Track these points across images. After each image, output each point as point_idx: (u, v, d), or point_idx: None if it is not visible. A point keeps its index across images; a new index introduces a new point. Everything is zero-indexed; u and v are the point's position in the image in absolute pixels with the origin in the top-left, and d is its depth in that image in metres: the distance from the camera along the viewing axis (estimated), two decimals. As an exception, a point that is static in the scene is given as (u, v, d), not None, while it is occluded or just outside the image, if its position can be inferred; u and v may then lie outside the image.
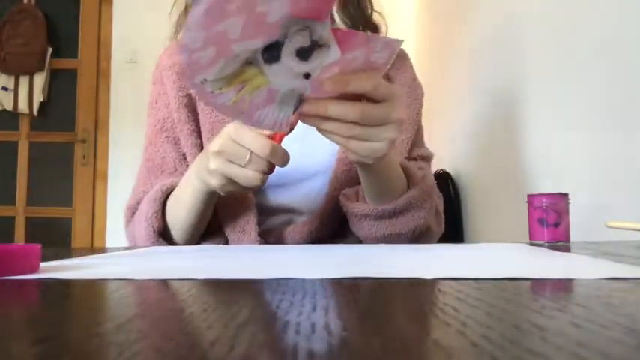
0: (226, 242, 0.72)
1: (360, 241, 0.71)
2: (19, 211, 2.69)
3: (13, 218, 2.69)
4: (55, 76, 2.71)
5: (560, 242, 0.66)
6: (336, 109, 0.45)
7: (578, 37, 0.98)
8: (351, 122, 0.47)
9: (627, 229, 0.61)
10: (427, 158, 0.81)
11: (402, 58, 0.82)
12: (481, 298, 0.23)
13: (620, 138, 0.86)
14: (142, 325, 0.19)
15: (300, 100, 0.45)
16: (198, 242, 0.71)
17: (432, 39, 2.20)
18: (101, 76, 2.72)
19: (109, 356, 0.15)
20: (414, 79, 0.82)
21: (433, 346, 0.16)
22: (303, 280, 0.29)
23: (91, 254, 0.50)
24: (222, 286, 0.29)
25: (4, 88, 2.64)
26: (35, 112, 2.65)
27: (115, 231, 2.56)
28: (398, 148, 0.76)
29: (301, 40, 0.39)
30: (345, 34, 0.40)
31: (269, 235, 0.72)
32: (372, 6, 0.79)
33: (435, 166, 0.86)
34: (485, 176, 1.53)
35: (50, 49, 2.68)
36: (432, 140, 0.85)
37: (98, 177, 2.68)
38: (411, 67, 0.83)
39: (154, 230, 0.66)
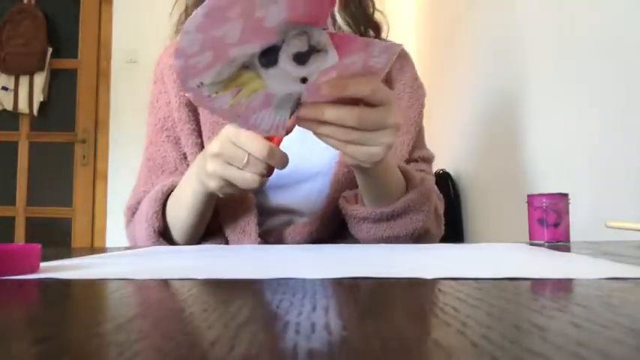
0: (226, 243, 0.72)
1: (359, 243, 0.71)
2: (19, 211, 2.69)
3: (13, 218, 2.69)
4: (55, 76, 2.71)
5: (560, 242, 0.66)
6: (332, 113, 0.45)
7: (579, 37, 0.98)
8: (348, 127, 0.47)
9: (627, 229, 0.61)
10: (428, 159, 0.81)
11: (404, 58, 0.82)
12: (481, 298, 0.23)
13: (620, 138, 0.86)
14: (143, 325, 0.19)
15: (298, 103, 0.45)
16: (198, 243, 0.71)
17: (432, 39, 2.20)
18: (101, 76, 2.72)
19: (109, 356, 0.15)
20: (416, 79, 0.81)
21: (433, 346, 0.16)
22: (303, 280, 0.29)
23: (91, 254, 0.50)
24: (222, 286, 0.29)
25: (4, 88, 2.64)
26: (35, 112, 2.65)
27: (115, 231, 2.56)
28: (398, 150, 0.76)
29: (299, 45, 0.39)
30: (343, 38, 0.40)
31: (269, 236, 0.72)
32: (373, 5, 0.78)
33: (435, 166, 0.86)
34: (486, 176, 1.53)
35: (50, 49, 2.68)
36: (432, 140, 0.85)
37: (98, 177, 2.68)
38: (413, 67, 0.82)
39: (154, 230, 0.66)
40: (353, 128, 0.47)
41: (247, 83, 0.41)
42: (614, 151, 0.87)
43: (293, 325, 0.18)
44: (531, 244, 0.60)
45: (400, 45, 0.43)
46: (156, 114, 0.78)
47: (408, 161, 0.77)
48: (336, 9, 0.71)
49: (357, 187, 0.68)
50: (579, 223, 0.75)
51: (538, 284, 0.28)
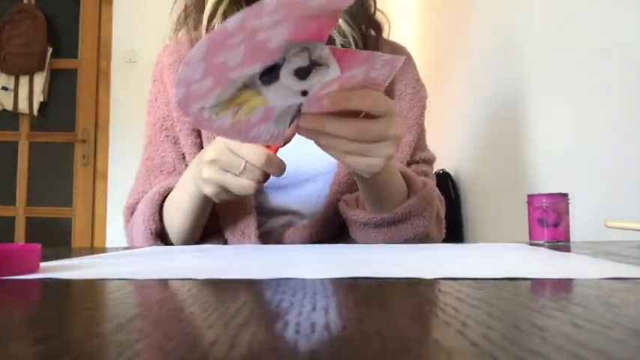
0: (225, 244, 0.72)
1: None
2: (19, 211, 2.69)
3: (13, 218, 2.69)
4: (55, 76, 2.71)
5: (560, 242, 0.66)
6: (332, 125, 0.45)
7: (579, 37, 0.98)
8: (348, 138, 0.46)
9: (627, 229, 0.61)
10: (429, 161, 0.80)
11: (406, 59, 0.81)
12: (481, 298, 0.23)
13: (620, 138, 0.86)
14: (143, 325, 0.19)
15: (298, 113, 0.45)
16: (196, 244, 0.71)
17: (432, 40, 2.20)
18: (101, 76, 2.72)
19: (109, 356, 0.15)
20: (418, 80, 0.81)
21: (433, 346, 0.16)
22: (303, 280, 0.29)
23: (91, 254, 0.50)
24: (222, 286, 0.29)
25: (4, 88, 2.64)
26: (35, 112, 2.66)
27: (114, 231, 2.56)
28: (400, 152, 0.75)
29: (300, 61, 0.39)
30: (345, 53, 0.40)
31: (269, 238, 0.72)
32: (375, 4, 0.78)
33: (436, 166, 0.86)
34: (486, 176, 1.53)
35: (50, 49, 2.68)
36: (433, 140, 0.85)
37: (98, 177, 2.68)
38: (415, 68, 0.82)
39: (151, 232, 0.66)
40: (353, 140, 0.46)
41: (247, 101, 0.41)
42: (614, 151, 0.87)
43: (293, 325, 0.18)
44: (531, 244, 0.60)
45: (402, 58, 0.42)
46: (155, 113, 0.78)
47: (409, 163, 0.76)
48: None
49: (357, 189, 0.67)
50: (579, 223, 0.75)
51: (538, 284, 0.28)
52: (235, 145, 0.53)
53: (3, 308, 0.24)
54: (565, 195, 0.68)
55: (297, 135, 0.51)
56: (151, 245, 0.66)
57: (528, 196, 0.70)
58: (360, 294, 0.25)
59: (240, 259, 0.45)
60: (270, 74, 0.40)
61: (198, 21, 0.73)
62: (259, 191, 0.72)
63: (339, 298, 0.25)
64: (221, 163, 0.54)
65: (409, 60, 0.82)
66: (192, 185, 0.61)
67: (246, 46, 0.35)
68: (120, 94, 2.68)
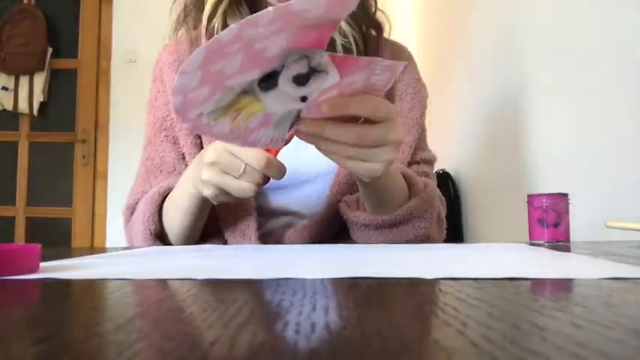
0: (225, 245, 0.72)
1: None
2: (19, 211, 2.69)
3: (13, 218, 2.69)
4: (55, 76, 2.71)
5: (560, 242, 0.66)
6: (332, 130, 0.45)
7: (579, 37, 0.98)
8: (348, 143, 0.46)
9: (627, 229, 0.61)
10: (430, 161, 0.80)
11: (407, 59, 0.81)
12: (481, 298, 0.23)
13: (620, 138, 0.86)
14: (142, 325, 0.19)
15: (297, 117, 0.45)
16: (196, 244, 0.71)
17: (432, 39, 2.20)
18: (101, 76, 2.72)
19: (109, 356, 0.15)
20: (418, 80, 0.80)
21: (433, 346, 0.16)
22: (303, 280, 0.29)
23: (91, 254, 0.50)
24: (222, 286, 0.29)
25: (4, 88, 2.64)
26: (35, 112, 2.66)
27: (114, 231, 2.56)
28: (401, 152, 0.75)
29: (299, 68, 0.39)
30: (344, 59, 0.40)
31: (269, 238, 0.72)
32: (376, 4, 0.77)
33: (436, 166, 0.86)
34: (486, 176, 1.53)
35: (50, 49, 2.68)
36: (433, 140, 0.85)
37: (98, 177, 2.68)
38: (416, 67, 0.82)
39: (150, 233, 0.66)
40: (353, 145, 0.46)
41: (246, 107, 0.41)
42: (614, 151, 0.87)
43: (293, 325, 0.18)
44: (531, 244, 0.60)
45: (403, 63, 0.42)
46: (154, 113, 0.78)
47: (410, 163, 0.76)
48: None
49: (357, 189, 0.67)
50: (579, 223, 0.75)
51: (538, 284, 0.28)
52: (235, 147, 0.53)
53: (3, 308, 0.24)
54: (565, 195, 0.68)
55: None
56: (149, 246, 0.66)
57: (528, 196, 0.70)
58: (360, 294, 0.25)
59: (240, 259, 0.45)
60: (268, 81, 0.39)
61: (198, 20, 0.72)
62: (259, 192, 0.72)
63: (339, 298, 0.25)
64: (221, 166, 0.54)
65: (410, 59, 0.81)
66: (191, 186, 0.61)
67: (243, 54, 0.35)
68: (120, 94, 2.68)
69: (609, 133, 0.88)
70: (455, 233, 1.65)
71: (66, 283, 0.30)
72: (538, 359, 0.14)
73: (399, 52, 0.81)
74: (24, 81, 2.65)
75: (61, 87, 2.72)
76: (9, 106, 2.65)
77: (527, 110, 1.19)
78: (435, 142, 0.86)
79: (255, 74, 0.39)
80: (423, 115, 0.79)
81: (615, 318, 0.19)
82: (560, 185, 0.95)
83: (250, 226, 0.69)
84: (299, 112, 0.44)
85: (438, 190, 0.74)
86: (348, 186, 0.71)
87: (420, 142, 0.79)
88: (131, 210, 0.73)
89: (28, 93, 2.65)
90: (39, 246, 0.35)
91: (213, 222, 0.71)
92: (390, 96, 0.78)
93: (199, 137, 0.74)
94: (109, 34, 2.73)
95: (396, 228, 0.65)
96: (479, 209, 1.61)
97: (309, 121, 0.45)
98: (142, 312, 0.22)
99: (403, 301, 0.24)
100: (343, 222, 0.69)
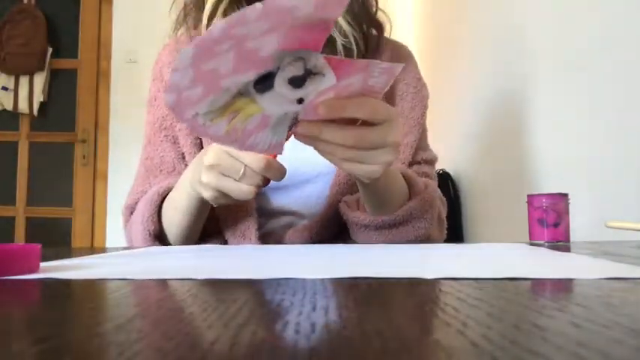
0: (225, 244, 0.72)
1: None
2: (19, 211, 2.69)
3: (13, 218, 2.69)
4: (55, 76, 2.71)
5: (560, 242, 0.66)
6: (329, 133, 0.45)
7: (579, 37, 0.98)
8: (346, 145, 0.46)
9: (627, 229, 0.61)
10: (431, 161, 0.80)
11: (408, 58, 0.81)
12: (481, 298, 0.23)
13: (620, 138, 0.86)
14: (142, 325, 0.19)
15: (295, 120, 0.45)
16: (196, 244, 0.71)
17: (432, 39, 2.20)
18: (101, 76, 2.72)
19: (109, 356, 0.15)
20: (419, 79, 0.80)
21: (433, 346, 0.16)
22: (303, 280, 0.29)
23: (91, 254, 0.50)
24: (222, 286, 0.29)
25: (4, 88, 2.64)
26: (35, 112, 2.66)
27: (114, 231, 2.56)
28: (401, 152, 0.75)
29: (294, 70, 0.39)
30: (341, 62, 0.40)
31: (269, 239, 0.72)
32: (377, 4, 0.77)
33: (436, 166, 0.86)
34: (486, 176, 1.53)
35: (50, 49, 2.68)
36: (433, 140, 0.85)
37: (98, 177, 2.68)
38: (416, 67, 0.81)
39: (149, 233, 0.66)
40: (350, 147, 0.46)
41: (243, 109, 0.41)
42: (614, 151, 0.87)
43: (293, 325, 0.18)
44: (531, 244, 0.60)
45: (401, 65, 0.42)
46: (154, 113, 0.77)
47: (411, 163, 0.76)
48: None
49: (358, 190, 0.67)
50: (579, 223, 0.75)
51: (538, 284, 0.28)
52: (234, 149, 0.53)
53: (3, 308, 0.24)
54: (565, 195, 0.68)
55: None
56: (149, 246, 0.66)
57: (528, 196, 0.70)
58: (360, 294, 0.25)
59: (240, 259, 0.45)
60: (264, 83, 0.39)
61: (198, 20, 0.72)
62: (259, 193, 0.72)
63: (339, 298, 0.25)
64: (220, 168, 0.54)
65: (411, 59, 0.81)
66: (190, 187, 0.61)
67: (236, 54, 0.35)
68: (120, 94, 2.68)
69: (609, 133, 0.88)
70: (455, 233, 1.65)
71: (66, 283, 0.30)
72: (538, 359, 0.14)
73: (399, 52, 0.81)
74: (24, 81, 2.65)
75: (61, 87, 2.72)
76: (9, 106, 2.65)
77: (527, 110, 1.19)
78: (435, 142, 0.86)
79: (251, 75, 0.39)
80: (424, 114, 0.79)
81: (615, 318, 0.19)
82: (560, 185, 0.95)
83: (250, 226, 0.69)
84: (297, 114, 0.44)
85: (438, 190, 0.73)
86: (348, 186, 0.71)
87: (421, 142, 0.79)
88: (130, 210, 0.73)
89: (28, 93, 2.65)
90: (39, 246, 0.35)
91: (213, 222, 0.71)
92: (390, 96, 0.78)
93: (199, 137, 0.74)
94: (109, 34, 2.73)
95: (396, 229, 0.65)
96: (479, 209, 1.61)
97: (307, 123, 0.45)
98: (142, 312, 0.22)
99: (403, 301, 0.24)
100: (343, 222, 0.69)
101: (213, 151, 0.54)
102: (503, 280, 0.28)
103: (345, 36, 0.71)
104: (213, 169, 0.54)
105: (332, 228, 0.72)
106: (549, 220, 0.66)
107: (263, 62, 0.38)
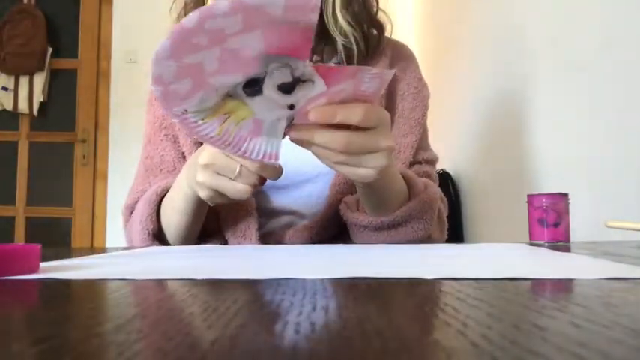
0: (225, 244, 0.72)
1: None
2: (19, 211, 2.69)
3: (13, 218, 2.69)
4: (55, 76, 2.71)
5: (560, 242, 0.66)
6: (322, 137, 0.45)
7: (579, 37, 0.98)
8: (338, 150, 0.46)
9: (627, 229, 0.61)
10: (432, 161, 0.80)
11: (409, 58, 0.81)
12: (481, 298, 0.23)
13: (620, 138, 0.86)
14: (142, 325, 0.19)
15: (290, 123, 0.45)
16: (195, 244, 0.71)
17: (432, 39, 2.20)
18: (101, 76, 2.72)
19: (109, 356, 0.15)
20: (420, 79, 0.80)
21: (433, 346, 0.16)
22: (303, 280, 0.29)
23: (91, 254, 0.50)
24: (222, 286, 0.29)
25: (4, 88, 2.64)
26: (35, 112, 2.66)
27: (115, 231, 2.56)
28: (402, 152, 0.75)
29: (282, 77, 0.39)
30: (329, 69, 0.40)
31: (269, 239, 0.72)
32: (377, 4, 0.77)
33: (437, 166, 0.86)
34: (486, 176, 1.53)
35: (50, 49, 2.68)
36: (433, 140, 0.85)
37: (98, 177, 2.68)
38: (417, 67, 0.81)
39: (148, 233, 0.66)
40: (343, 152, 0.46)
41: (234, 111, 0.41)
42: (614, 151, 0.87)
43: (293, 325, 0.18)
44: (531, 244, 0.60)
45: (392, 71, 0.42)
46: (154, 112, 0.77)
47: (412, 163, 0.76)
48: (338, 8, 0.70)
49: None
50: (579, 223, 0.75)
51: (538, 284, 0.28)
52: None
53: (3, 308, 0.24)
54: (565, 195, 0.68)
55: None
56: (148, 246, 0.66)
57: (528, 196, 0.70)
58: (360, 294, 0.25)
59: (240, 259, 0.45)
60: (252, 86, 0.40)
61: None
62: (259, 192, 0.72)
63: (339, 298, 0.25)
64: (215, 167, 0.53)
65: (412, 59, 0.81)
66: (187, 187, 0.61)
67: (220, 51, 0.36)
68: (120, 94, 2.68)
69: (609, 133, 0.88)
70: (455, 233, 1.65)
71: (66, 283, 0.30)
72: (538, 359, 0.14)
73: (400, 52, 0.81)
74: (24, 81, 2.65)
75: (61, 87, 2.72)
76: (9, 106, 2.65)
77: (528, 110, 1.19)
78: (435, 142, 0.86)
79: (238, 77, 0.39)
80: (424, 114, 0.79)
81: (615, 318, 0.19)
82: (560, 185, 0.95)
83: (251, 226, 0.69)
84: (291, 118, 0.44)
85: (439, 190, 0.73)
86: (348, 186, 0.71)
87: (422, 142, 0.79)
88: (130, 209, 0.73)
89: (28, 93, 2.65)
90: (39, 246, 0.35)
91: (213, 222, 0.71)
92: (391, 96, 0.78)
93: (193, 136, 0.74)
94: (109, 34, 2.73)
95: (395, 230, 0.65)
96: (479, 209, 1.61)
97: (300, 127, 0.45)
98: (142, 312, 0.22)
99: (403, 301, 0.24)
100: (343, 222, 0.69)
101: (207, 151, 0.54)
102: (503, 280, 0.28)
103: (346, 36, 0.71)
104: (209, 169, 0.54)
105: (332, 228, 0.72)
106: (549, 220, 0.66)
107: (248, 64, 0.38)
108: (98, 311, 0.23)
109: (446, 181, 1.72)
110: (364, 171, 0.49)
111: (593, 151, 0.93)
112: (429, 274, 0.30)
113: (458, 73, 1.78)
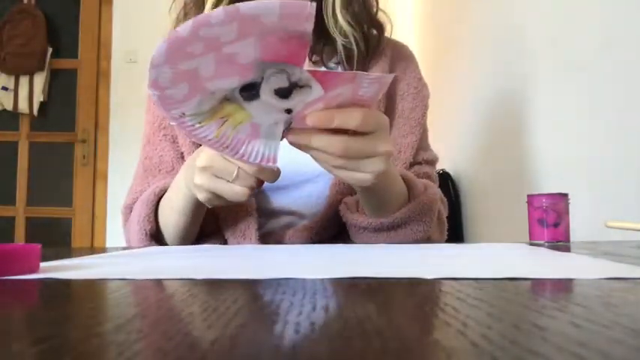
0: (225, 244, 0.72)
1: None
2: (19, 211, 2.69)
3: (13, 218, 2.69)
4: (55, 76, 2.71)
5: (560, 242, 0.66)
6: (319, 141, 0.45)
7: (579, 37, 0.98)
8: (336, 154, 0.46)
9: (627, 229, 0.61)
10: (432, 162, 0.80)
11: (409, 58, 0.81)
12: (481, 298, 0.23)
13: (620, 138, 0.86)
14: (142, 325, 0.19)
15: (288, 126, 0.45)
16: (196, 244, 0.71)
17: (432, 39, 2.20)
18: (101, 76, 2.72)
19: (109, 356, 0.15)
20: (420, 79, 0.80)
21: (433, 346, 0.16)
22: (303, 280, 0.29)
23: (91, 254, 0.50)
24: (222, 286, 0.29)
25: (4, 88, 2.64)
26: (35, 112, 2.66)
27: (115, 231, 2.56)
28: (402, 153, 0.75)
29: (278, 82, 0.39)
30: (325, 74, 0.40)
31: (269, 239, 0.72)
32: (377, 4, 0.77)
33: (437, 166, 0.86)
34: (486, 176, 1.53)
35: (50, 49, 2.68)
36: (433, 140, 0.85)
37: (98, 177, 2.68)
38: (417, 67, 0.81)
39: (146, 233, 0.66)
40: (340, 156, 0.47)
41: (231, 115, 0.41)
42: (614, 151, 0.87)
43: (293, 325, 0.18)
44: (531, 244, 0.60)
45: (391, 76, 0.42)
46: (153, 112, 0.77)
47: (411, 164, 0.76)
48: (337, 9, 0.70)
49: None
50: (579, 223, 0.75)
51: (538, 284, 0.28)
52: None
53: (3, 308, 0.24)
54: (565, 195, 0.68)
55: None
56: (146, 246, 0.66)
57: (528, 196, 0.70)
58: (360, 294, 0.25)
59: (240, 259, 0.45)
60: (250, 91, 0.40)
61: (198, 19, 0.72)
62: (259, 192, 0.72)
63: (339, 298, 0.25)
64: (213, 170, 0.53)
65: (412, 59, 0.81)
66: (185, 188, 0.61)
67: (216, 57, 0.36)
68: (120, 94, 2.68)
69: (609, 133, 0.88)
70: (455, 233, 1.65)
71: (66, 283, 0.30)
72: (538, 359, 0.14)
73: (400, 52, 0.81)
74: (24, 81, 2.65)
75: (61, 87, 2.72)
76: (9, 106, 2.65)
77: (528, 110, 1.19)
78: (435, 142, 0.86)
79: (235, 82, 0.39)
80: (424, 115, 0.78)
81: (615, 318, 0.19)
82: (560, 185, 0.95)
83: (251, 226, 0.69)
84: (289, 122, 0.44)
85: (439, 191, 0.73)
86: (348, 186, 0.71)
87: (422, 143, 0.79)
88: (129, 209, 0.73)
89: (28, 93, 2.65)
90: (39, 246, 0.35)
91: (213, 222, 0.71)
92: (391, 96, 0.78)
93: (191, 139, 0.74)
94: (109, 34, 2.73)
95: (394, 231, 0.65)
96: (479, 209, 1.61)
97: (297, 131, 0.45)
98: (142, 312, 0.22)
99: (403, 301, 0.24)
100: (343, 222, 0.69)
101: (205, 153, 0.54)
102: (503, 280, 0.28)
103: (346, 36, 0.71)
104: (206, 171, 0.54)
105: (332, 228, 0.72)
106: (549, 220, 0.66)
107: (244, 70, 0.38)
108: (98, 311, 0.23)
109: (446, 181, 1.72)
110: (362, 175, 0.49)
111: (593, 151, 0.93)
112: (429, 274, 0.30)
113: (458, 73, 1.78)
